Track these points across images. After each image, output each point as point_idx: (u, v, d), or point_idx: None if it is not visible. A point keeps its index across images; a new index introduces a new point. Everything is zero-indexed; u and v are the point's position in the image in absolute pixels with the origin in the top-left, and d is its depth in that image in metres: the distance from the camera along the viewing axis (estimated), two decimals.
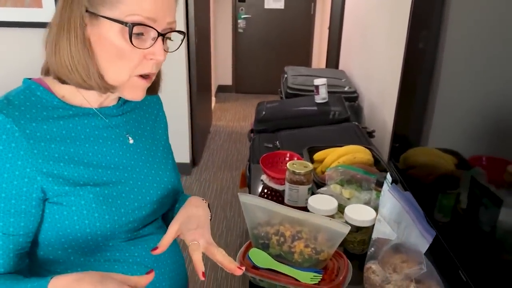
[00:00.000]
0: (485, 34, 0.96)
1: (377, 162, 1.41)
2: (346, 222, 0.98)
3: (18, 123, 0.66)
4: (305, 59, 5.62)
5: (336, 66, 3.66)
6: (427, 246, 0.77)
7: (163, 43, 0.70)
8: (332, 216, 1.04)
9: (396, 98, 1.47)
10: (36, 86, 0.73)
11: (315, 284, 0.86)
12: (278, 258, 0.91)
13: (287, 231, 0.89)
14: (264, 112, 2.28)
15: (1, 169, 0.66)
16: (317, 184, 1.29)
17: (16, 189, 0.67)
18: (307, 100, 2.35)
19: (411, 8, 1.34)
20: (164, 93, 0.88)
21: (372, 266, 0.91)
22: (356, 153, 1.35)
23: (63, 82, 0.71)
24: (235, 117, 4.91)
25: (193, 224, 0.77)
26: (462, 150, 1.08)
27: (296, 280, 0.87)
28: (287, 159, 1.42)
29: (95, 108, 0.77)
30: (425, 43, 1.29)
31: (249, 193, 2.12)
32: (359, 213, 1.03)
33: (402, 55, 1.49)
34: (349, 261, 0.93)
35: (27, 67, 2.94)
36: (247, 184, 2.15)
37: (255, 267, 0.91)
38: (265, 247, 0.92)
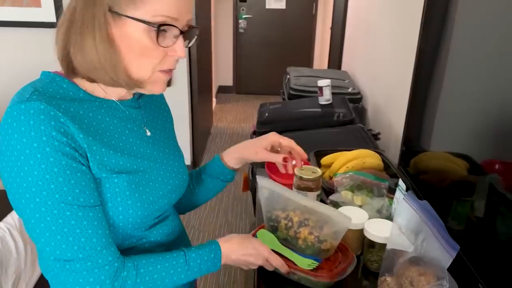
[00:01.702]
0: (501, 35, 0.92)
1: (386, 167, 1.36)
2: (369, 240, 0.97)
3: (59, 109, 0.66)
4: (307, 60, 5.58)
5: (339, 67, 3.62)
6: (450, 261, 0.72)
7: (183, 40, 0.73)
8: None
9: (406, 100, 1.43)
10: (61, 79, 0.73)
11: (310, 270, 0.89)
12: (285, 242, 0.94)
13: (296, 217, 0.92)
14: (267, 114, 2.23)
15: (58, 155, 0.65)
16: (325, 190, 1.24)
17: (76, 166, 0.67)
18: (311, 101, 2.30)
19: (423, 9, 1.29)
20: (164, 94, 0.89)
21: (387, 278, 0.86)
22: (365, 157, 1.30)
23: (92, 81, 0.73)
24: (236, 118, 4.86)
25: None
26: (477, 154, 1.04)
27: (294, 264, 0.90)
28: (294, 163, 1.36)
29: (117, 101, 0.78)
30: (437, 45, 1.25)
31: (253, 198, 2.08)
32: (381, 229, 0.96)
33: (410, 57, 1.45)
34: (355, 256, 0.94)
35: (26, 66, 2.92)
36: (249, 187, 2.10)
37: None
38: (274, 230, 0.96)
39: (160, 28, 0.68)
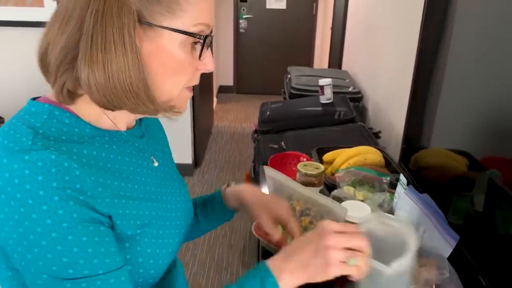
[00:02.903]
0: (501, 33, 0.94)
1: (387, 163, 1.38)
2: None
3: (72, 159, 0.53)
4: (307, 60, 5.59)
5: (339, 67, 3.64)
6: (450, 250, 0.74)
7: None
8: None
9: (407, 98, 1.45)
10: (60, 112, 0.59)
11: None
12: None
13: (298, 206, 0.94)
14: (268, 113, 2.25)
15: (73, 218, 0.52)
16: (327, 185, 1.27)
17: (98, 228, 0.56)
18: (312, 100, 2.33)
19: (423, 9, 1.31)
20: None
21: None
22: (366, 154, 1.32)
23: (114, 108, 0.59)
24: (237, 118, 4.88)
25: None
26: (476, 151, 1.06)
27: None
28: (298, 159, 1.39)
29: (124, 132, 0.67)
30: (437, 44, 1.27)
31: None
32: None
33: (411, 56, 1.47)
34: None
35: (29, 67, 2.94)
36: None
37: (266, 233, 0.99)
38: None
39: (206, 39, 0.59)
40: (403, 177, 1.06)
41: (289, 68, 2.98)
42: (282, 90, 2.93)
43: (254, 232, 1.04)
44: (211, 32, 0.63)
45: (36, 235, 0.50)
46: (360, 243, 0.60)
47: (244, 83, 5.82)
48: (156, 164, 0.72)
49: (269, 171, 1.00)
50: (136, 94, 0.57)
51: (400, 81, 1.92)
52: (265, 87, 5.66)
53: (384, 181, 1.15)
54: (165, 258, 0.67)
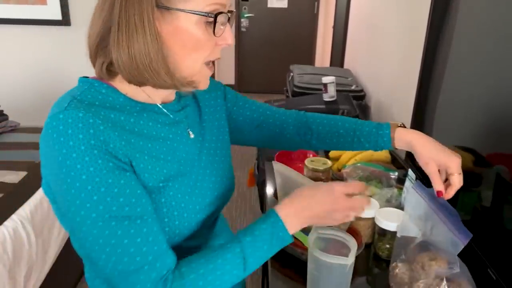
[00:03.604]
0: (508, 31, 0.94)
1: (393, 159, 1.39)
2: (380, 228, 0.99)
3: (98, 117, 0.62)
4: (309, 58, 5.60)
5: (341, 65, 3.64)
6: (461, 247, 0.75)
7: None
8: None
9: (411, 97, 1.45)
10: (99, 84, 0.68)
11: None
12: None
13: None
14: None
15: (98, 164, 0.61)
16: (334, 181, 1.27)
17: (119, 174, 0.63)
18: (315, 98, 2.33)
19: (430, 8, 1.32)
20: None
21: (398, 264, 0.89)
22: None
23: (140, 84, 0.68)
24: None
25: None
26: (481, 147, 1.06)
27: (302, 244, 0.96)
28: (305, 155, 1.39)
29: (160, 105, 0.74)
30: (444, 43, 1.27)
31: (259, 192, 2.10)
32: (391, 217, 0.98)
33: (416, 54, 1.47)
34: (363, 241, 0.97)
35: (31, 65, 2.94)
36: (255, 182, 2.12)
37: None
38: None
39: (217, 17, 0.64)
40: (412, 172, 1.06)
41: (291, 67, 2.98)
42: (285, 88, 2.93)
43: None
44: (230, 11, 0.68)
45: (71, 178, 0.60)
46: (362, 204, 0.75)
47: (246, 82, 5.82)
48: (192, 136, 0.79)
49: (278, 166, 1.00)
50: (156, 72, 0.64)
51: (404, 79, 1.92)
52: (266, 86, 5.66)
53: (392, 176, 1.16)
54: (191, 213, 0.73)
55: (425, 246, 0.87)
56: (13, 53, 2.92)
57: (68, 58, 2.88)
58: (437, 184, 0.82)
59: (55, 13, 2.81)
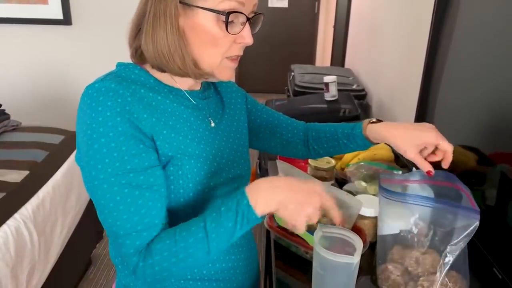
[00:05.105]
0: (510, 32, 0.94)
1: (396, 158, 1.38)
2: None
3: (128, 90, 0.70)
4: (309, 58, 5.60)
5: (342, 65, 3.64)
6: (475, 223, 0.75)
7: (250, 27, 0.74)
8: None
9: (413, 96, 1.45)
10: (133, 66, 0.77)
11: None
12: None
13: None
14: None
15: (118, 131, 0.67)
16: (338, 180, 1.27)
17: (134, 143, 0.69)
18: (317, 97, 2.33)
19: (434, 8, 1.31)
20: None
21: (389, 266, 0.88)
22: (376, 149, 1.32)
23: (162, 70, 0.76)
24: None
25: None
26: (484, 147, 1.06)
27: (307, 243, 0.96)
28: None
29: (185, 90, 0.80)
30: (448, 42, 1.27)
31: None
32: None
33: (418, 53, 1.47)
34: (368, 239, 0.98)
35: (33, 64, 2.94)
36: None
37: (279, 226, 1.03)
38: None
39: (229, 15, 0.69)
40: (415, 170, 1.06)
41: (292, 66, 2.98)
42: (286, 87, 2.93)
43: (266, 225, 1.05)
44: (255, 12, 0.75)
45: (94, 141, 0.67)
46: (333, 212, 0.74)
47: (246, 82, 5.82)
48: (212, 124, 0.83)
49: (282, 164, 1.00)
50: (174, 61, 0.72)
51: (405, 78, 1.92)
52: (267, 86, 5.66)
53: (395, 174, 1.15)
54: (205, 188, 0.77)
55: (411, 240, 0.87)
56: (14, 52, 2.91)
57: (69, 58, 2.88)
58: (423, 166, 0.84)
59: (56, 13, 2.81)
